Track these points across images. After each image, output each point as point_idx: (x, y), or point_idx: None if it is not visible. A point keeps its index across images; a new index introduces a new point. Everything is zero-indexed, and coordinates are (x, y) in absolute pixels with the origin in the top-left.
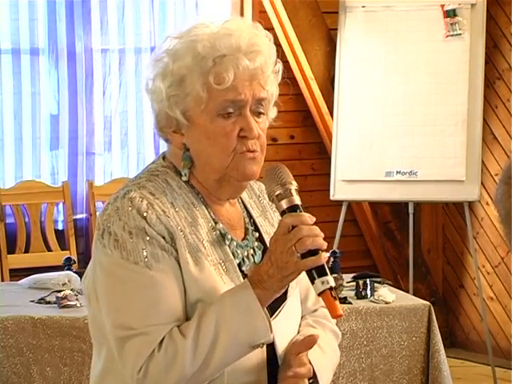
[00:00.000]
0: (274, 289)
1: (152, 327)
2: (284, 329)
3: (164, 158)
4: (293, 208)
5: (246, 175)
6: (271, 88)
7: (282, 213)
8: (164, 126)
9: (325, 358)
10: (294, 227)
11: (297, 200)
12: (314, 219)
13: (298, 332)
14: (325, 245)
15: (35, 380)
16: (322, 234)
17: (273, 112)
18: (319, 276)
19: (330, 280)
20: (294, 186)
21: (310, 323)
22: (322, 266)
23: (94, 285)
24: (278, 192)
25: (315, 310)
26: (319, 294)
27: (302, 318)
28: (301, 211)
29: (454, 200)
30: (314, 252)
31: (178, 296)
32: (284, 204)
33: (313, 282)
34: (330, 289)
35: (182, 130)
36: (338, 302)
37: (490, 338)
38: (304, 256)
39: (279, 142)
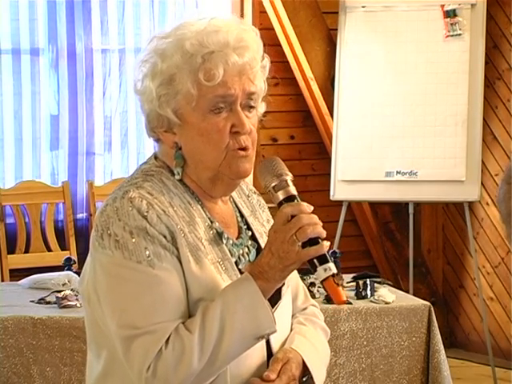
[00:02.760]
0: (276, 279)
1: (158, 325)
2: (279, 327)
3: (156, 158)
4: (290, 198)
5: (239, 173)
6: (259, 83)
7: (279, 204)
8: (155, 126)
9: (318, 356)
10: (293, 217)
11: (293, 190)
12: (312, 208)
13: (291, 330)
14: (324, 233)
15: (35, 380)
16: (321, 223)
17: (262, 107)
18: (321, 263)
19: (332, 267)
20: (289, 176)
21: (300, 321)
22: (324, 253)
23: (95, 286)
24: (274, 183)
25: (305, 309)
26: (322, 282)
27: (292, 316)
28: (298, 201)
29: (454, 200)
30: (315, 240)
31: (181, 294)
32: (281, 195)
33: (315, 270)
34: (333, 275)
35: (173, 129)
36: (341, 288)
37: (490, 339)
38: (304, 244)
39: (279, 142)
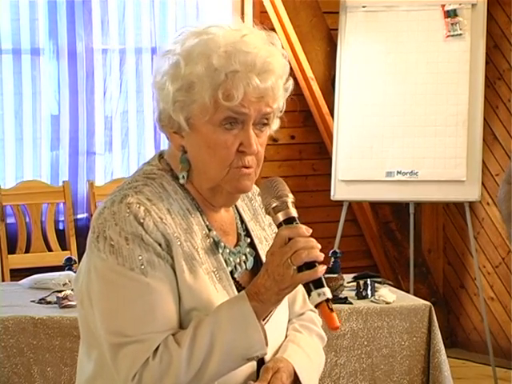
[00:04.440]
0: (271, 301)
1: (147, 335)
2: (273, 335)
3: (160, 158)
4: (289, 220)
5: (238, 189)
6: (278, 104)
7: (279, 225)
8: (165, 125)
9: (310, 365)
10: (290, 239)
11: (293, 212)
12: (311, 231)
13: (286, 337)
14: (321, 257)
15: (36, 380)
16: (319, 246)
17: (275, 124)
18: (316, 288)
19: (327, 292)
20: (290, 198)
21: (296, 328)
22: (319, 278)
23: (88, 288)
24: (274, 204)
25: (302, 314)
26: (316, 306)
27: (288, 321)
28: (297, 223)
29: (455, 200)
30: (311, 264)
31: (173, 304)
32: (280, 216)
33: (309, 294)
34: (327, 300)
35: (182, 132)
36: (334, 314)
37: (491, 338)
38: (300, 268)
39: (280, 142)
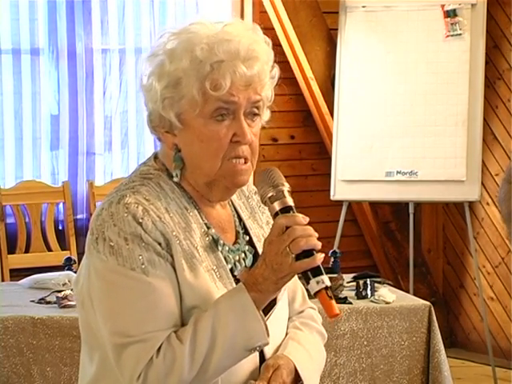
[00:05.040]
0: (270, 291)
1: (150, 334)
2: (274, 332)
3: (156, 158)
4: (286, 209)
5: (235, 183)
6: (266, 92)
7: (275, 214)
8: (157, 125)
9: (311, 362)
10: (287, 228)
11: (289, 201)
12: (308, 219)
13: (286, 334)
14: (319, 245)
15: (35, 380)
16: (316, 234)
17: (266, 115)
18: (314, 276)
19: (325, 279)
20: (286, 187)
21: (296, 325)
22: (317, 266)
23: (89, 290)
24: (270, 194)
25: (301, 311)
26: (315, 294)
27: (288, 319)
28: (294, 212)
29: (455, 200)
30: (309, 252)
31: (174, 302)
32: (277, 206)
33: (308, 282)
34: (326, 288)
35: (174, 131)
36: (334, 302)
37: (491, 338)
38: (298, 256)
39: (279, 142)
